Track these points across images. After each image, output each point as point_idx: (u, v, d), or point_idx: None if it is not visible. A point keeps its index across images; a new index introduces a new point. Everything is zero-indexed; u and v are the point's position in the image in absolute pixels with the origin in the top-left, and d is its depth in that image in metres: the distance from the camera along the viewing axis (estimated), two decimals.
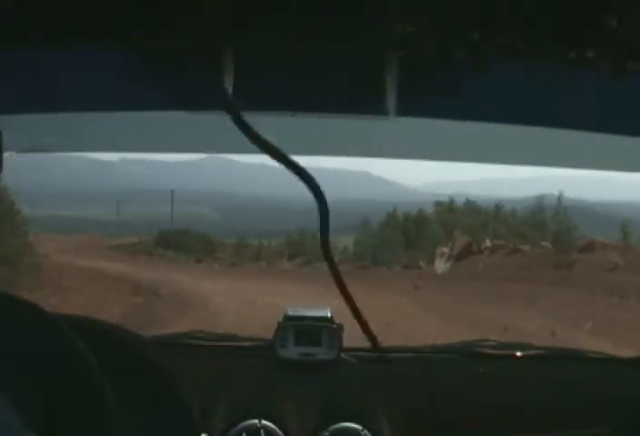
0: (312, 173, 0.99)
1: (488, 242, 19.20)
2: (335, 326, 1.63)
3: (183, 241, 27.91)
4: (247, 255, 24.85)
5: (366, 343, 1.53)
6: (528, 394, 1.62)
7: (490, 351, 1.77)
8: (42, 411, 0.75)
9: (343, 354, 1.63)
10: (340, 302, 1.33)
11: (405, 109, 1.03)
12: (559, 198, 21.45)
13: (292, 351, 1.62)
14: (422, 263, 19.65)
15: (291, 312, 1.66)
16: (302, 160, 0.98)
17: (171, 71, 0.96)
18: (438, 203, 24.86)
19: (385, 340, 1.64)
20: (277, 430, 1.50)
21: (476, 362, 1.69)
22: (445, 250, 19.04)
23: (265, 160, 1.00)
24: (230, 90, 0.95)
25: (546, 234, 19.74)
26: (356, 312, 1.34)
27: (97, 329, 0.95)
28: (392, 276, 17.22)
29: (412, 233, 22.28)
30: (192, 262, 23.39)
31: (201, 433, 1.36)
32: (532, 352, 1.76)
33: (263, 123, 0.99)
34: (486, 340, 1.84)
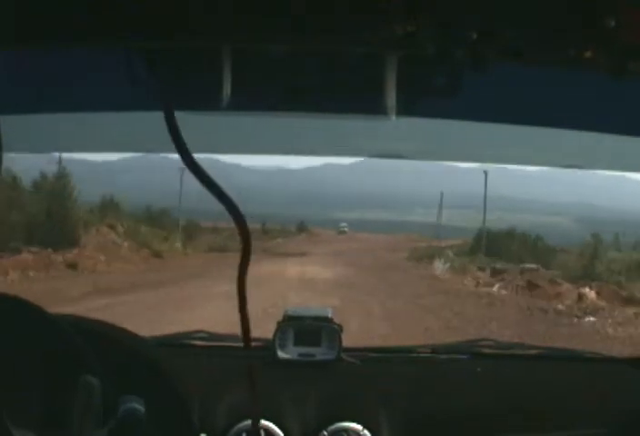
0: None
1: None
2: (334, 326, 1.63)
3: (505, 245, 27.30)
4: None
5: (366, 343, 1.53)
6: (527, 394, 1.62)
7: (489, 351, 1.77)
8: (41, 410, 0.75)
9: (342, 354, 1.63)
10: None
11: (405, 109, 1.02)
12: None
13: (291, 352, 1.62)
14: None
15: (291, 312, 1.66)
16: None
17: (171, 71, 0.96)
18: None
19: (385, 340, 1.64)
20: (277, 429, 1.50)
21: (476, 362, 1.69)
22: None
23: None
24: (230, 90, 0.95)
25: None
26: None
27: (98, 329, 0.95)
28: None
29: None
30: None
31: (200, 433, 1.36)
32: (531, 352, 1.77)
33: (263, 123, 0.99)
34: (486, 339, 1.84)
